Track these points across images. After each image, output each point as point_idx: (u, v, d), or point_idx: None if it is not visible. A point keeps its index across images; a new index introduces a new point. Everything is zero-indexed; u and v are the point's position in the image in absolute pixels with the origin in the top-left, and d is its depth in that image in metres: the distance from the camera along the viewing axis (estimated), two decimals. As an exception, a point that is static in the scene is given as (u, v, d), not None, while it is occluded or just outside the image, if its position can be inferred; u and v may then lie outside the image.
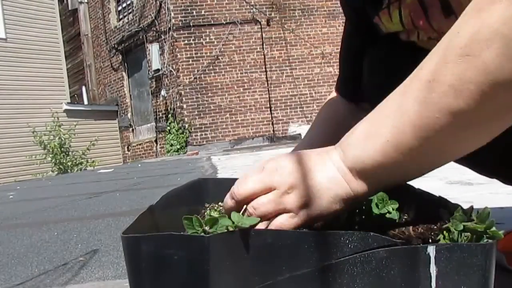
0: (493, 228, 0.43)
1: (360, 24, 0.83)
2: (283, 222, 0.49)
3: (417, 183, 0.71)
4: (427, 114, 0.42)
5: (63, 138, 10.89)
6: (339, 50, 0.95)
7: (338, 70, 1.00)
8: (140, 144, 12.38)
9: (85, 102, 14.09)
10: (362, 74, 0.84)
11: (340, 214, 0.51)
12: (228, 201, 0.53)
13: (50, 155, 10.69)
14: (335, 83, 0.99)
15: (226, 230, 0.48)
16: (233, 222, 0.48)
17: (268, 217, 0.50)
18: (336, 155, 0.50)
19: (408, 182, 0.66)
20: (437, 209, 0.57)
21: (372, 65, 0.81)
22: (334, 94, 0.98)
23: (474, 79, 0.39)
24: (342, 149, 0.50)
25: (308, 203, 0.48)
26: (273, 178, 0.50)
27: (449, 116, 0.41)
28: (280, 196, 0.49)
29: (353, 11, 0.85)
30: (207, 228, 0.49)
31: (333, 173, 0.49)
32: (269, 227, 0.50)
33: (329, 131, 0.88)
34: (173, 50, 10.51)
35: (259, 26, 10.65)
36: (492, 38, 0.37)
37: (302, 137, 8.22)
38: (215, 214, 0.72)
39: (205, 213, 0.77)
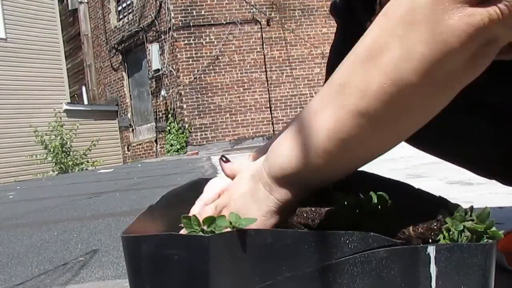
0: (493, 228, 0.43)
1: (350, 30, 0.82)
2: None
3: (417, 183, 0.71)
4: (338, 116, 0.44)
5: (64, 138, 10.89)
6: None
7: None
8: (140, 144, 12.38)
9: (85, 102, 14.09)
10: None
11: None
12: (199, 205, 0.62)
13: (51, 155, 10.69)
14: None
15: (224, 231, 0.48)
16: (231, 222, 0.49)
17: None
18: (262, 173, 0.52)
19: (408, 182, 0.66)
20: (437, 209, 0.57)
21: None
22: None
23: (375, 79, 0.41)
24: (267, 159, 0.52)
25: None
26: (217, 203, 0.57)
27: (357, 117, 0.43)
28: (217, 211, 0.56)
29: (343, 17, 0.85)
30: (205, 227, 0.49)
31: (261, 195, 0.52)
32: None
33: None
34: (173, 50, 10.51)
35: (259, 26, 10.65)
36: (390, 40, 0.40)
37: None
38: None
39: (205, 213, 0.77)
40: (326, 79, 0.95)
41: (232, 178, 0.62)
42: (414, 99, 0.41)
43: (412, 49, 0.38)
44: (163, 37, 10.78)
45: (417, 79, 0.39)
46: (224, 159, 0.67)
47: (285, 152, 0.49)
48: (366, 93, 0.42)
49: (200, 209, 0.62)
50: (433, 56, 0.38)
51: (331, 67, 0.93)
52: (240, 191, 0.54)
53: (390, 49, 0.40)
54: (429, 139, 0.72)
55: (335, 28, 0.86)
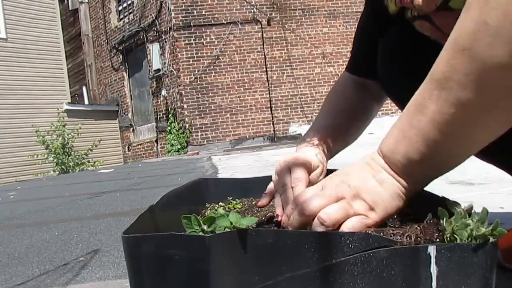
0: (498, 228, 0.43)
1: (377, 8, 0.84)
2: (354, 224, 0.52)
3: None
4: (444, 110, 0.47)
5: (66, 138, 10.90)
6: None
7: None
8: (140, 144, 12.38)
9: (86, 102, 14.09)
10: (375, 55, 0.86)
11: (401, 211, 0.55)
12: (298, 218, 0.56)
13: (52, 155, 10.70)
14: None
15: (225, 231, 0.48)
16: (231, 223, 0.49)
17: (339, 222, 0.53)
18: (380, 161, 0.55)
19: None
20: (439, 209, 0.57)
21: (383, 53, 0.83)
22: (343, 77, 0.98)
23: (473, 70, 0.43)
24: (383, 155, 0.55)
25: (373, 205, 0.53)
26: (337, 191, 0.55)
27: (462, 108, 0.45)
28: (347, 203, 0.54)
29: None
30: (205, 227, 0.49)
31: (385, 177, 0.54)
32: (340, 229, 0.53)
33: (339, 113, 0.91)
34: (174, 50, 10.51)
35: (260, 26, 10.64)
36: (480, 29, 0.42)
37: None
38: (220, 210, 0.72)
39: (205, 213, 0.77)
40: (352, 49, 0.97)
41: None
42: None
43: (504, 34, 0.40)
44: (163, 37, 10.78)
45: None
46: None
47: (400, 147, 0.52)
48: (466, 85, 0.44)
49: (322, 202, 0.56)
50: None
51: (357, 41, 0.97)
52: (362, 179, 0.55)
53: (482, 38, 0.42)
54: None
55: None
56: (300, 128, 10.61)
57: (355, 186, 0.54)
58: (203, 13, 10.53)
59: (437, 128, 0.48)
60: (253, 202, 0.85)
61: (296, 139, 10.36)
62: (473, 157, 0.51)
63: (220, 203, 0.86)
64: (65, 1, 14.10)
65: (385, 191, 0.53)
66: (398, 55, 0.79)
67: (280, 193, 0.70)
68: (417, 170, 0.52)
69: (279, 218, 0.66)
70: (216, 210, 0.78)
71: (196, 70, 10.48)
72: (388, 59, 0.82)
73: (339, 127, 0.87)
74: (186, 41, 10.46)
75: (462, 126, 0.47)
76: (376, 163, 0.55)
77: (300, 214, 0.55)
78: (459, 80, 0.44)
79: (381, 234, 0.47)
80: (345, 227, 0.52)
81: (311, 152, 0.78)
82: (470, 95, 0.44)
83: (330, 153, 0.84)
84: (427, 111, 0.48)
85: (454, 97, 0.45)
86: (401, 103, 0.80)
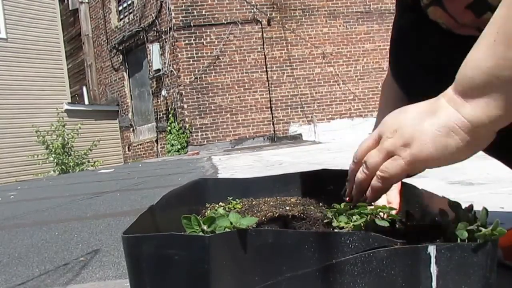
0: (499, 228, 0.43)
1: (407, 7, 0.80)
2: (387, 167, 0.48)
3: (418, 183, 0.71)
4: None
5: (66, 138, 10.90)
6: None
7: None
8: (141, 144, 12.38)
9: (86, 102, 14.09)
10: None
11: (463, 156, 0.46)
12: (351, 165, 0.54)
13: (53, 155, 10.69)
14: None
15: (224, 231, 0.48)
16: (231, 223, 0.49)
17: (377, 167, 0.49)
18: (444, 93, 0.46)
19: (411, 183, 0.66)
20: (440, 209, 0.57)
21: (395, 36, 0.79)
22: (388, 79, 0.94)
23: None
24: (456, 79, 0.45)
25: (409, 141, 0.45)
26: (379, 130, 0.49)
27: None
28: (382, 143, 0.48)
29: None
30: (205, 227, 0.49)
31: (435, 105, 0.45)
32: (374, 179, 0.49)
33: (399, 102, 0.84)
34: (174, 50, 10.51)
35: (260, 26, 10.64)
36: None
37: (303, 137, 8.07)
38: (220, 210, 0.72)
39: (206, 213, 0.77)
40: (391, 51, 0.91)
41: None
42: None
43: None
44: (163, 37, 10.78)
45: None
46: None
47: (474, 58, 0.42)
48: None
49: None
50: None
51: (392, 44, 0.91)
52: (412, 111, 0.46)
53: None
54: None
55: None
56: (300, 128, 10.61)
57: (396, 121, 0.48)
58: (203, 13, 10.53)
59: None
60: (253, 202, 0.85)
61: (296, 139, 10.36)
62: (473, 157, 0.50)
63: (220, 203, 0.86)
64: (65, 1, 14.10)
65: (431, 125, 0.44)
66: (409, 42, 0.75)
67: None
68: (492, 87, 0.41)
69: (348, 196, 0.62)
70: (216, 210, 0.78)
71: (196, 70, 10.48)
72: (399, 43, 0.78)
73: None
74: (186, 41, 10.46)
75: None
76: (442, 95, 0.46)
77: (352, 161, 0.53)
78: None
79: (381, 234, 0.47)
80: (380, 172, 0.48)
81: None
82: None
83: None
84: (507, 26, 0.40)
85: None
86: (405, 89, 0.78)
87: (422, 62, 0.69)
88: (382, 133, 0.49)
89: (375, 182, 0.49)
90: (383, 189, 0.50)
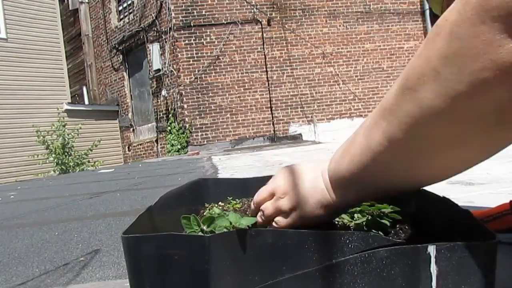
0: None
1: None
2: (279, 220, 0.60)
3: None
4: (378, 139, 0.48)
5: (66, 138, 10.89)
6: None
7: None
8: (141, 144, 12.38)
9: (86, 102, 14.09)
10: None
11: (324, 220, 0.60)
12: (252, 207, 0.66)
13: (53, 155, 10.69)
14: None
15: (224, 230, 0.48)
16: (231, 223, 0.49)
17: (272, 217, 0.61)
18: (325, 168, 0.59)
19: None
20: (440, 209, 0.57)
21: None
22: None
23: (411, 112, 0.42)
24: (333, 164, 0.59)
25: (296, 206, 0.58)
26: (273, 186, 0.62)
27: (390, 143, 0.46)
28: (276, 200, 0.60)
29: None
30: (204, 227, 0.49)
31: (318, 183, 0.58)
32: (273, 223, 0.60)
33: None
34: (174, 50, 10.51)
35: (260, 26, 10.64)
36: (428, 73, 0.39)
37: (303, 137, 8.10)
38: (216, 210, 0.72)
39: (205, 213, 0.77)
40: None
41: None
42: (446, 132, 0.41)
43: (449, 86, 0.38)
44: (163, 37, 10.78)
45: (450, 115, 0.39)
46: None
47: (341, 162, 0.56)
48: (402, 125, 0.44)
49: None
50: (471, 93, 0.36)
51: None
52: (300, 180, 0.59)
53: (426, 82, 0.40)
54: None
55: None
56: (300, 128, 10.61)
57: (288, 184, 0.60)
58: (203, 13, 10.53)
59: (368, 155, 0.50)
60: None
61: (296, 139, 10.36)
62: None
63: (220, 203, 0.86)
64: (65, 1, 14.10)
65: (311, 198, 0.57)
66: None
67: None
68: (350, 185, 0.55)
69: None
70: (213, 210, 0.78)
71: (196, 70, 10.48)
72: None
73: None
74: (186, 41, 10.46)
75: (389, 160, 0.48)
76: (320, 169, 0.60)
77: (252, 203, 0.65)
78: (398, 117, 0.44)
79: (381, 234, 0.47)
80: (273, 223, 0.60)
81: None
82: (403, 135, 0.44)
83: None
84: (369, 135, 0.50)
85: (390, 131, 0.46)
86: None
87: None
88: (275, 191, 0.61)
89: (273, 225, 0.62)
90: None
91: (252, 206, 0.65)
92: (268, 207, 0.61)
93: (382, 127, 0.47)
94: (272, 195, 0.61)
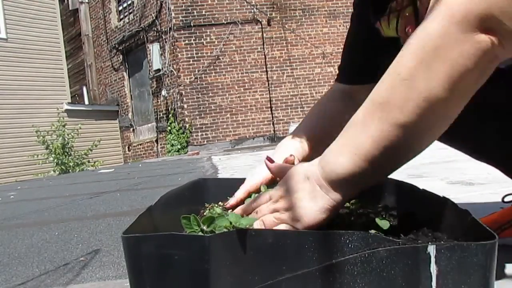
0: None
1: (365, 26, 0.94)
2: (268, 218, 0.60)
3: (419, 183, 0.71)
4: (381, 128, 0.53)
5: (66, 138, 10.89)
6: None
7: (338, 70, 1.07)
8: (141, 144, 12.38)
9: (86, 102, 14.09)
10: (362, 65, 0.97)
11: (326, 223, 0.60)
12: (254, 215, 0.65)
13: (53, 155, 10.69)
14: (322, 95, 1.06)
15: (224, 230, 0.48)
16: (231, 223, 0.49)
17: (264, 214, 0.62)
18: (317, 172, 0.60)
19: (410, 182, 0.67)
20: (441, 209, 0.57)
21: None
22: (330, 89, 1.08)
23: (411, 98, 0.51)
24: (321, 165, 0.60)
25: (299, 219, 0.58)
26: (275, 205, 0.62)
27: (398, 128, 0.52)
28: (272, 203, 0.62)
29: (359, 14, 0.99)
30: (204, 227, 0.49)
31: (318, 194, 0.58)
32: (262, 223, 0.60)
33: (322, 121, 0.99)
34: (174, 50, 10.51)
35: (260, 26, 10.64)
36: (418, 65, 0.50)
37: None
38: (218, 210, 0.72)
39: (205, 213, 0.77)
40: (341, 62, 1.06)
41: (279, 176, 0.72)
42: (442, 110, 0.51)
43: (437, 71, 0.49)
44: (163, 37, 10.78)
45: (444, 94, 0.49)
46: (268, 159, 0.77)
47: (339, 160, 0.57)
48: (404, 109, 0.51)
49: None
50: (455, 75, 0.48)
51: (345, 53, 1.06)
52: (298, 187, 0.60)
53: (419, 72, 0.50)
54: (452, 137, 0.84)
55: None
56: (300, 128, 10.61)
57: (289, 200, 0.60)
58: (203, 13, 10.53)
59: (375, 145, 0.54)
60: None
61: (296, 139, 10.35)
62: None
63: (220, 203, 0.86)
64: (65, 1, 14.10)
65: (315, 206, 0.57)
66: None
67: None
68: (352, 182, 0.57)
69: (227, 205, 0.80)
70: (214, 210, 0.78)
71: (196, 70, 10.48)
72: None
73: (320, 128, 0.96)
74: (186, 41, 10.46)
75: (396, 144, 0.53)
76: (315, 178, 0.60)
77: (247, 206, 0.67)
78: (398, 105, 0.52)
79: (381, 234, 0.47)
80: (265, 221, 0.60)
81: (289, 149, 0.89)
82: (407, 118, 0.51)
83: (313, 151, 0.91)
84: (367, 129, 0.54)
85: (392, 118, 0.52)
86: None
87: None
88: (272, 196, 0.63)
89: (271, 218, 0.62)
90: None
91: (245, 206, 0.69)
92: (263, 209, 0.63)
93: (383, 117, 0.53)
94: (267, 200, 0.64)
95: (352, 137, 0.57)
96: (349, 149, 0.57)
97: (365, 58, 0.97)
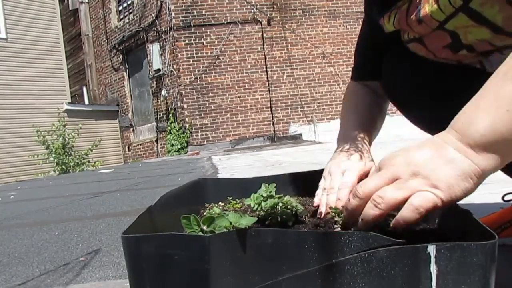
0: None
1: (374, 26, 0.95)
2: (422, 200, 0.49)
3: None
4: None
5: (66, 138, 10.89)
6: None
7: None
8: (141, 144, 12.38)
9: (86, 102, 14.09)
10: (374, 62, 0.98)
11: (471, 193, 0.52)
12: (352, 201, 0.54)
13: (53, 155, 10.69)
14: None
15: (224, 230, 0.48)
16: (231, 223, 0.49)
17: (395, 204, 0.50)
18: (450, 137, 0.52)
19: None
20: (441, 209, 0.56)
21: (386, 69, 0.94)
22: (351, 84, 1.09)
23: None
24: (456, 130, 0.52)
25: (436, 183, 0.49)
26: (392, 171, 0.52)
27: None
28: (404, 183, 0.50)
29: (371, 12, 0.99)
30: (204, 227, 0.49)
31: (454, 155, 0.50)
32: (406, 209, 0.50)
33: (363, 114, 0.99)
34: (174, 50, 10.51)
35: (260, 26, 10.64)
36: None
37: (303, 137, 8.14)
38: (216, 210, 0.72)
39: (205, 213, 0.77)
40: (354, 60, 1.10)
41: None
42: None
43: None
44: (163, 37, 10.78)
45: None
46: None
47: (484, 119, 0.49)
48: None
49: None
50: None
51: (358, 52, 1.08)
52: (424, 156, 0.51)
53: None
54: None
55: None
56: (300, 128, 10.61)
57: (415, 164, 0.51)
58: (203, 13, 10.53)
59: None
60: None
61: (296, 139, 10.36)
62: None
63: (220, 203, 0.86)
64: (65, 1, 14.09)
65: (452, 169, 0.49)
66: (399, 72, 0.90)
67: (326, 193, 0.76)
68: (500, 143, 0.48)
69: (321, 216, 0.70)
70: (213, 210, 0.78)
71: (196, 70, 10.48)
72: (390, 74, 0.93)
73: (368, 123, 0.95)
74: (186, 41, 10.46)
75: None
76: (442, 140, 0.52)
77: (354, 196, 0.53)
78: None
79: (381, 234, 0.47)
80: (411, 204, 0.49)
81: (363, 155, 0.84)
82: None
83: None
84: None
85: None
86: (403, 108, 0.95)
87: (413, 88, 0.87)
88: (398, 176, 0.51)
89: (374, 210, 0.51)
90: (415, 221, 0.51)
91: (355, 200, 0.54)
92: (392, 192, 0.50)
93: None
94: (389, 182, 0.52)
95: (496, 91, 0.49)
96: (497, 105, 0.49)
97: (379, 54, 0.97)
